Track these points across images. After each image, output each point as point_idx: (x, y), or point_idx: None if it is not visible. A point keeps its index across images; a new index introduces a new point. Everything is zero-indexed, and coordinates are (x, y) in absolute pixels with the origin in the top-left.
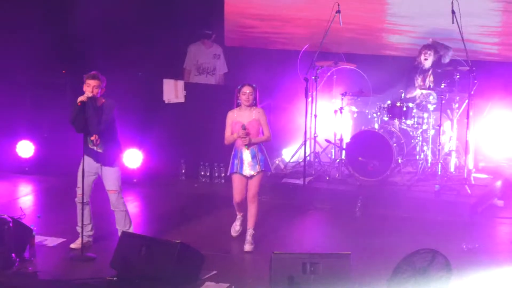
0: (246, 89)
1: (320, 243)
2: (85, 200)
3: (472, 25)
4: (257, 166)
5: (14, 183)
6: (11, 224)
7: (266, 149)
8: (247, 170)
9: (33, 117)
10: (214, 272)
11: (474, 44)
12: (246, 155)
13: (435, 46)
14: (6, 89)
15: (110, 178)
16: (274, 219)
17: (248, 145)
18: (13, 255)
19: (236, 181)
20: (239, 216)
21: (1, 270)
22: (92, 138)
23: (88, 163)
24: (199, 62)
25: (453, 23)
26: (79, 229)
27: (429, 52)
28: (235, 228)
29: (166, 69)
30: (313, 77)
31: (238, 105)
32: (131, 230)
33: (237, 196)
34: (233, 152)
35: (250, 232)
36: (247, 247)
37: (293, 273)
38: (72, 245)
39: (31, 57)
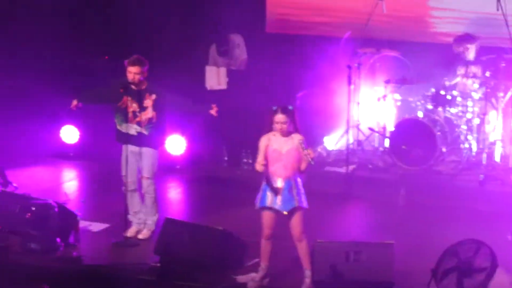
0: (280, 118)
1: (363, 232)
2: (133, 188)
3: None
4: (294, 201)
5: (58, 168)
6: (56, 209)
7: (307, 137)
8: (281, 206)
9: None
10: (257, 260)
11: None
12: (282, 187)
13: (472, 37)
14: (50, 74)
15: (147, 163)
16: (316, 208)
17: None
18: (58, 239)
19: (266, 217)
20: (262, 265)
21: (46, 255)
22: (139, 118)
23: (131, 150)
24: None
25: (497, 10)
26: (130, 217)
27: (469, 45)
28: (254, 283)
29: (208, 56)
30: (356, 64)
31: (272, 128)
32: (155, 218)
33: (267, 230)
34: (264, 182)
35: (307, 273)
36: None
37: (336, 261)
38: (128, 233)
39: (75, 43)
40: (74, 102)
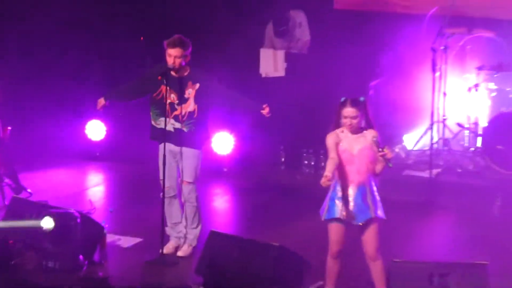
0: (349, 111)
1: (449, 249)
2: (171, 194)
3: None
4: (369, 211)
5: (82, 171)
6: (78, 220)
7: (382, 134)
8: (354, 216)
9: (105, 92)
10: (320, 282)
11: None
12: (354, 194)
13: None
14: (73, 60)
15: (188, 165)
16: (393, 220)
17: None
18: (80, 257)
19: (335, 230)
20: None
21: (66, 274)
22: (177, 112)
23: (169, 149)
24: None
25: None
26: (168, 230)
27: None
28: None
29: (263, 38)
30: (442, 47)
31: (339, 124)
32: (197, 231)
33: (335, 247)
34: (331, 188)
35: None
36: None
37: (418, 285)
38: (164, 250)
39: (105, 22)
40: (101, 102)
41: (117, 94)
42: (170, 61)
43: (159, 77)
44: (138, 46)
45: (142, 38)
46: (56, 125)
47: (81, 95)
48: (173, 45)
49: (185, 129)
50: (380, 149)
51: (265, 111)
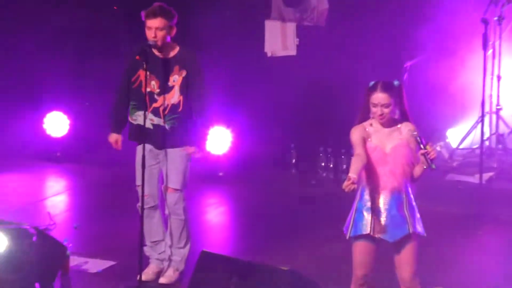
0: (380, 98)
1: (504, 275)
2: (152, 204)
3: None
4: (407, 225)
5: (40, 176)
6: (34, 238)
7: (419, 128)
8: (387, 232)
9: (69, 76)
10: None
11: None
12: (387, 203)
13: None
14: (30, 33)
15: (174, 168)
16: (435, 237)
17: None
18: (37, 285)
19: (362, 250)
20: None
21: None
22: (157, 104)
23: (149, 149)
24: None
25: None
26: (147, 250)
27: None
28: None
29: (269, 7)
30: (496, 18)
31: (367, 115)
32: (185, 252)
33: (361, 270)
34: (359, 197)
35: None
36: None
37: None
38: (143, 275)
39: None
40: (118, 140)
41: (124, 114)
42: (150, 35)
43: (137, 57)
44: (111, 18)
45: (115, 8)
46: (7, 118)
47: (38, 80)
48: (153, 15)
49: (166, 126)
50: (422, 147)
51: (192, 151)
